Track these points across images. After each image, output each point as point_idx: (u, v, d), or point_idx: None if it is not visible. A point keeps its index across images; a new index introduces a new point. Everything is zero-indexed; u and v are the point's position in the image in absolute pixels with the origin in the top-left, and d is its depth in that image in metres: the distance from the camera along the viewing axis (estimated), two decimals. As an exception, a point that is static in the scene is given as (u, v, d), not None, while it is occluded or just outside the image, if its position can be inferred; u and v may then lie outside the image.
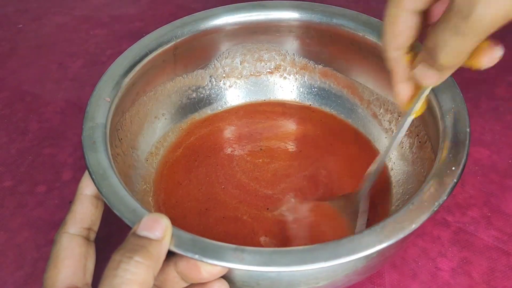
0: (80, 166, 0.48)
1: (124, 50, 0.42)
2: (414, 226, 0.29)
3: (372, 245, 0.28)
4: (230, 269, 0.29)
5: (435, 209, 0.30)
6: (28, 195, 0.46)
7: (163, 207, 0.41)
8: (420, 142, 0.40)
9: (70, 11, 0.67)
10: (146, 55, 0.42)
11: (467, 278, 0.38)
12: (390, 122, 0.45)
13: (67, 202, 0.45)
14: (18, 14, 0.67)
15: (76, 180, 0.46)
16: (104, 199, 0.31)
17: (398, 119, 0.44)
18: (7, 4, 0.69)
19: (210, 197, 0.42)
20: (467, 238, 0.41)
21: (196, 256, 0.28)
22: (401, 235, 0.29)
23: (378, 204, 0.40)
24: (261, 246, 0.39)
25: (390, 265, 0.39)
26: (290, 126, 0.48)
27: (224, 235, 0.39)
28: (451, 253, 0.40)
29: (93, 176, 0.33)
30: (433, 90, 0.37)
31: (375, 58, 0.42)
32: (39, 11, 0.67)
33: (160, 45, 0.42)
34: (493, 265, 0.39)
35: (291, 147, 0.46)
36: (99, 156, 0.34)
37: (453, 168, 0.32)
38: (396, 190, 0.41)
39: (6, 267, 0.41)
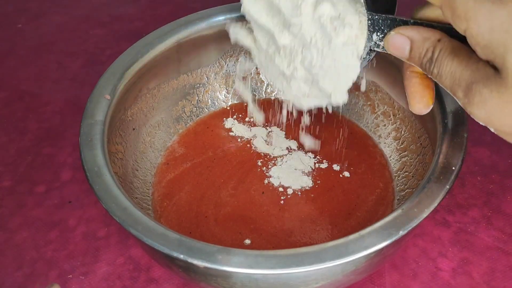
0: (80, 166, 0.48)
1: (124, 50, 0.42)
2: (401, 233, 0.29)
3: (357, 250, 0.28)
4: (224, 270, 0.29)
5: (425, 215, 0.30)
6: (27, 195, 0.46)
7: (163, 200, 0.42)
8: (421, 144, 0.40)
9: (69, 10, 0.67)
10: (149, 52, 0.42)
11: (467, 279, 0.38)
12: (389, 119, 0.45)
13: (66, 202, 0.45)
14: (18, 13, 0.67)
15: (75, 180, 0.46)
16: (97, 196, 0.32)
17: (397, 123, 0.44)
18: (6, 3, 0.69)
19: (212, 193, 0.42)
20: (467, 238, 0.41)
21: (181, 256, 0.29)
22: (388, 241, 0.29)
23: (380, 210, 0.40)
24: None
25: (390, 265, 0.39)
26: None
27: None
28: (452, 253, 0.40)
29: (88, 173, 0.33)
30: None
31: (379, 58, 0.42)
32: (38, 10, 0.67)
33: (163, 43, 0.42)
34: (493, 266, 0.39)
35: (296, 146, 0.45)
36: (95, 154, 0.34)
37: (447, 174, 0.32)
38: (397, 196, 0.41)
39: (5, 267, 0.41)
